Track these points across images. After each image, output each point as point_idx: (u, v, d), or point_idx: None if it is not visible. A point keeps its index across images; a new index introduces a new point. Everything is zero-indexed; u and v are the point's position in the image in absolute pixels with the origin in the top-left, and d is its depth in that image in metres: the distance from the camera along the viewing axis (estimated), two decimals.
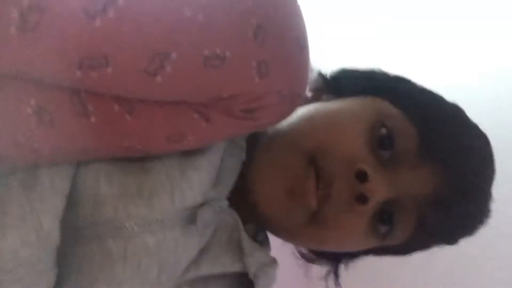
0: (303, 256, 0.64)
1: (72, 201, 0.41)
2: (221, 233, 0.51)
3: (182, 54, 0.33)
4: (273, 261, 0.55)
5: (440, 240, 0.56)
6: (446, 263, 1.13)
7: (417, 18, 1.52)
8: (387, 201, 0.48)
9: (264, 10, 0.35)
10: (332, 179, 0.47)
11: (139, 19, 0.31)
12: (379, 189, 0.46)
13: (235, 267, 0.51)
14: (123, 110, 0.36)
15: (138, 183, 0.42)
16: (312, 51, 0.40)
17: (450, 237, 0.55)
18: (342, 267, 0.63)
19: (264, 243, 0.57)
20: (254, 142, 0.52)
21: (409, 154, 0.48)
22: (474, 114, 0.54)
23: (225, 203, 0.51)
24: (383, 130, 0.49)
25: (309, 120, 0.50)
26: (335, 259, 0.62)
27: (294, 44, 0.37)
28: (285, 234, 0.54)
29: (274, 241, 0.59)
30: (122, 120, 0.36)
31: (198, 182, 0.45)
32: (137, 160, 0.43)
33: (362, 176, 0.46)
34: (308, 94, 0.56)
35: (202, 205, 0.47)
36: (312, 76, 0.57)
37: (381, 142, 0.49)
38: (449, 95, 0.55)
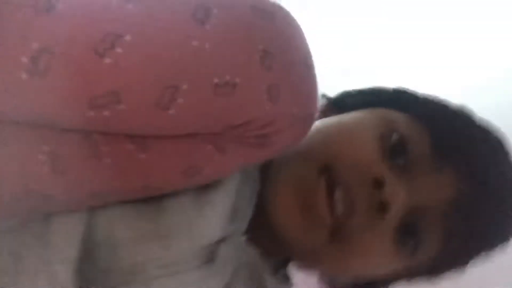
0: None
1: (87, 249, 0.39)
2: (242, 271, 0.49)
3: (193, 84, 0.33)
4: None
5: (471, 249, 0.53)
6: None
7: (423, 19, 1.54)
8: (409, 211, 0.47)
9: (268, 35, 0.35)
10: (350, 187, 0.46)
11: (147, 52, 0.31)
12: (398, 194, 0.45)
13: None
14: (136, 148, 0.35)
15: (154, 225, 0.41)
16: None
17: (481, 244, 0.52)
18: None
19: (285, 280, 0.56)
20: (267, 170, 0.51)
21: (425, 159, 0.48)
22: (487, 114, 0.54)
23: (244, 238, 0.50)
24: (395, 137, 0.48)
25: (319, 133, 0.49)
26: None
27: (301, 64, 0.37)
28: (310, 259, 0.52)
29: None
30: (136, 158, 0.36)
31: (215, 218, 0.44)
32: (151, 200, 0.42)
33: (379, 183, 0.45)
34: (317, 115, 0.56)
35: (220, 241, 0.46)
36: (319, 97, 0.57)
37: (394, 149, 0.48)
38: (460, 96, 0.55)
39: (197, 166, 0.38)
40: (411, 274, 0.55)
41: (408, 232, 0.47)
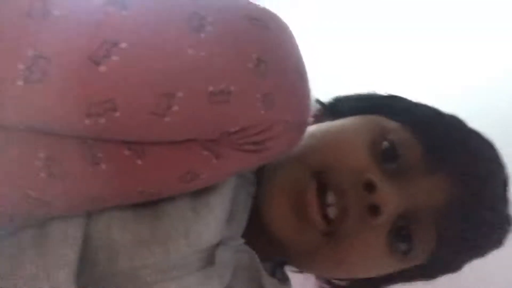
0: None
1: (86, 253, 0.40)
2: (240, 273, 0.50)
3: (188, 92, 0.33)
4: None
5: (464, 254, 0.53)
6: None
7: (420, 21, 1.55)
8: (402, 214, 0.47)
9: (262, 43, 0.36)
10: (343, 191, 0.46)
11: (143, 61, 0.32)
12: (389, 198, 0.45)
13: None
14: (133, 154, 0.36)
15: (152, 229, 0.42)
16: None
17: (474, 249, 0.53)
18: None
19: (284, 281, 0.56)
20: (261, 173, 0.52)
21: (416, 164, 0.48)
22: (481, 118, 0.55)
23: (241, 241, 0.50)
24: (385, 143, 0.49)
25: (313, 138, 0.50)
26: None
27: (294, 72, 0.37)
28: (305, 259, 0.53)
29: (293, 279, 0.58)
30: (133, 164, 0.36)
31: (213, 221, 0.44)
32: (148, 204, 0.42)
33: (370, 187, 0.45)
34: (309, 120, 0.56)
35: (218, 245, 0.46)
36: (312, 103, 0.57)
37: (385, 155, 0.49)
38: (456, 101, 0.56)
39: (194, 171, 0.38)
40: (404, 276, 0.55)
41: (400, 235, 0.48)
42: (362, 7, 1.66)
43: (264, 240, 0.50)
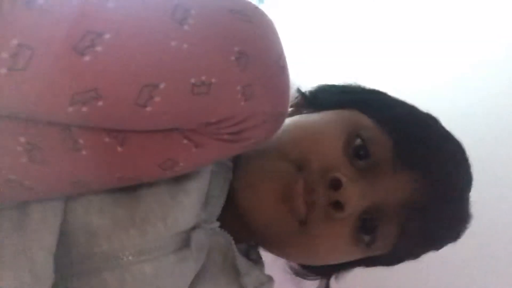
0: (294, 271, 0.65)
1: (64, 235, 0.40)
2: (215, 255, 0.51)
3: (170, 83, 0.34)
4: (270, 279, 0.56)
5: (424, 246, 0.57)
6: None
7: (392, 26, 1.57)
8: (367, 210, 0.49)
9: (244, 36, 0.36)
10: (313, 187, 0.48)
11: (127, 52, 0.32)
12: (353, 196, 0.47)
13: None
14: (114, 141, 0.36)
15: (130, 212, 0.42)
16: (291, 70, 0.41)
17: (433, 242, 0.56)
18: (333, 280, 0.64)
19: (257, 262, 0.58)
20: (238, 160, 0.53)
21: (385, 162, 0.50)
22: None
23: (216, 224, 0.52)
24: (358, 141, 0.50)
25: (290, 131, 0.51)
26: (325, 273, 0.63)
27: (275, 65, 0.38)
28: (277, 246, 0.55)
29: (265, 257, 0.60)
30: (113, 151, 0.36)
31: (190, 205, 0.45)
32: (127, 189, 0.43)
33: (336, 184, 0.47)
34: (289, 109, 0.57)
35: (194, 228, 0.47)
36: (292, 92, 0.58)
37: (357, 152, 0.50)
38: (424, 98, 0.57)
39: (173, 159, 0.39)
40: (367, 262, 0.59)
41: (365, 228, 0.50)
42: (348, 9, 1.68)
43: (239, 224, 0.52)
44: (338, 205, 0.47)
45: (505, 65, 1.36)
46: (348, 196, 0.47)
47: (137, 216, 0.43)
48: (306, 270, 0.64)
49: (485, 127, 1.33)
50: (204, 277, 0.50)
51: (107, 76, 0.32)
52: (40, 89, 0.31)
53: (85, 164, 0.36)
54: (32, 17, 0.30)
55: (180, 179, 0.45)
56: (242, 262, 0.53)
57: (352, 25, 1.67)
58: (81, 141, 0.35)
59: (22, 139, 0.34)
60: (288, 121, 0.53)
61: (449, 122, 0.56)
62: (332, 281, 0.64)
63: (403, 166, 0.49)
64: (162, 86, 0.33)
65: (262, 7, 0.42)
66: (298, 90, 0.61)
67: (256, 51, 0.37)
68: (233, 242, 0.52)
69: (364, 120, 0.52)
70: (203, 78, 0.34)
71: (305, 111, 0.58)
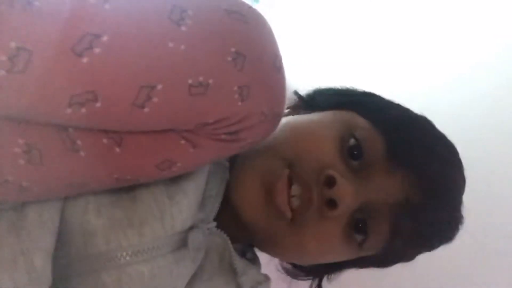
0: (287, 271, 0.65)
1: (62, 236, 0.40)
2: (212, 255, 0.51)
3: (168, 84, 0.34)
4: (267, 278, 0.56)
5: (416, 247, 0.57)
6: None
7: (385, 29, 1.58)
8: (360, 208, 0.50)
9: (241, 37, 0.37)
10: (308, 184, 0.48)
11: (124, 53, 0.32)
12: (347, 193, 0.47)
13: None
14: (111, 142, 0.36)
15: (127, 213, 0.43)
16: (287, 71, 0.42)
17: (425, 243, 0.56)
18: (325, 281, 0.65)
19: (254, 261, 0.58)
20: (234, 160, 0.54)
21: (379, 162, 0.50)
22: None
23: (213, 224, 0.52)
24: (352, 141, 0.51)
25: (286, 130, 0.52)
26: (317, 273, 0.64)
27: (271, 66, 0.39)
28: (269, 245, 0.55)
29: (261, 257, 0.60)
30: (111, 152, 0.37)
31: (187, 205, 0.46)
32: (124, 189, 0.43)
33: (330, 182, 0.47)
34: (286, 111, 0.58)
35: (191, 228, 0.48)
36: (289, 95, 0.58)
37: (351, 152, 0.51)
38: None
39: (171, 159, 0.39)
40: (359, 263, 0.59)
41: (357, 227, 0.51)
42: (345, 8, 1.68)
43: (234, 224, 0.52)
44: (331, 203, 0.47)
45: (502, 66, 1.37)
46: (342, 193, 0.47)
47: (134, 216, 0.43)
48: (298, 270, 0.64)
49: (480, 128, 1.34)
50: (201, 277, 0.50)
51: (105, 77, 0.32)
52: (39, 91, 0.31)
53: (83, 165, 0.36)
54: (30, 20, 0.30)
55: (177, 180, 0.45)
56: (239, 261, 0.53)
57: (348, 26, 1.68)
58: (79, 142, 0.35)
59: (21, 141, 0.34)
60: (283, 120, 0.53)
61: (444, 124, 0.57)
62: (325, 283, 0.65)
63: (396, 166, 0.50)
64: (159, 87, 0.33)
65: (257, 7, 0.42)
66: (295, 93, 0.61)
67: (252, 51, 0.37)
68: (229, 242, 0.52)
69: (358, 121, 0.53)
70: (201, 78, 0.35)
71: (301, 113, 0.59)
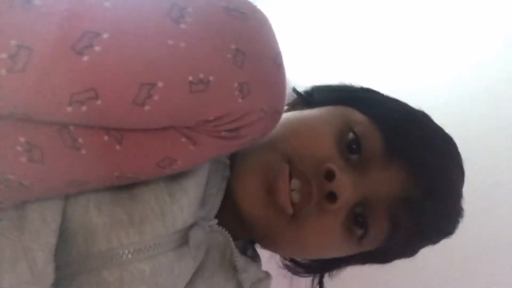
0: (288, 268, 0.66)
1: (64, 234, 0.40)
2: (213, 252, 0.52)
3: (168, 82, 0.34)
4: (267, 275, 0.56)
5: (416, 241, 0.56)
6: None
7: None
8: (359, 203, 0.50)
9: (240, 34, 0.37)
10: (307, 178, 0.49)
11: (124, 51, 0.32)
12: (346, 187, 0.48)
13: (230, 285, 0.52)
14: (112, 140, 0.36)
15: (128, 211, 0.43)
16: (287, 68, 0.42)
17: (425, 237, 0.56)
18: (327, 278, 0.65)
19: (255, 258, 0.58)
20: (234, 157, 0.54)
21: (377, 157, 0.50)
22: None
23: (214, 222, 0.52)
24: (351, 135, 0.51)
25: (285, 125, 0.52)
26: (318, 270, 0.64)
27: (271, 63, 0.39)
28: (269, 240, 0.55)
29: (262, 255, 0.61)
30: (112, 150, 0.37)
31: (188, 203, 0.46)
32: (125, 187, 0.43)
33: (330, 175, 0.48)
34: (285, 108, 0.58)
35: (192, 225, 0.48)
36: (288, 91, 0.59)
37: (349, 146, 0.51)
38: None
39: (172, 157, 0.39)
40: (361, 259, 0.59)
41: (357, 221, 0.51)
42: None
43: (236, 221, 0.52)
44: (331, 197, 0.48)
45: (500, 63, 1.37)
46: (341, 186, 0.47)
47: (135, 214, 0.43)
48: (299, 267, 0.64)
49: (478, 124, 1.35)
50: (202, 274, 0.50)
51: (106, 75, 0.32)
52: (40, 90, 0.31)
53: (84, 163, 0.36)
54: (30, 18, 0.30)
55: (177, 177, 0.46)
56: (239, 259, 0.53)
57: (347, 23, 1.68)
58: (80, 140, 0.35)
59: (22, 139, 0.34)
60: (282, 117, 0.53)
61: (442, 120, 0.57)
62: (326, 279, 0.65)
63: (395, 160, 0.50)
64: (160, 84, 0.33)
65: (256, 4, 0.42)
66: (294, 90, 0.61)
67: (252, 48, 0.37)
68: (231, 239, 0.53)
69: (356, 116, 0.53)
70: (201, 76, 0.35)
71: (299, 109, 0.59)
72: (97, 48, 0.31)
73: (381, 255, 0.58)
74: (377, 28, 1.62)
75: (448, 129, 0.57)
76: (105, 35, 0.31)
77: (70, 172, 0.37)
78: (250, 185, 0.50)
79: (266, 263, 0.63)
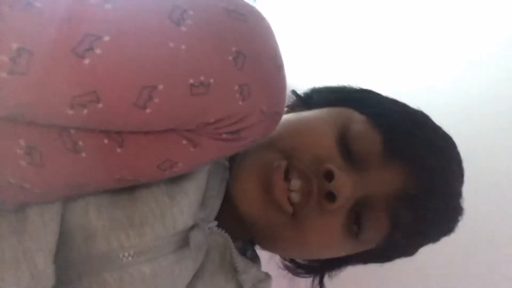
0: (288, 269, 0.66)
1: (64, 237, 0.40)
2: (213, 254, 0.52)
3: (169, 85, 0.34)
4: (268, 276, 0.56)
5: (415, 239, 0.57)
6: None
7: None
8: (359, 202, 0.50)
9: (241, 36, 0.37)
10: (307, 178, 0.49)
11: (125, 54, 0.32)
12: (345, 186, 0.48)
13: (230, 287, 0.52)
14: (113, 143, 0.36)
15: (128, 213, 0.43)
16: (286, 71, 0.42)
17: (425, 235, 0.56)
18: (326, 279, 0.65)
19: (254, 260, 0.58)
20: (233, 158, 0.54)
21: (376, 156, 0.51)
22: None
23: (214, 223, 0.52)
24: (350, 135, 0.51)
25: (285, 126, 0.52)
26: (319, 270, 0.64)
27: (271, 64, 0.39)
28: (269, 241, 0.55)
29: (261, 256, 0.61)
30: (113, 153, 0.37)
31: (188, 205, 0.46)
32: (125, 190, 0.43)
33: (329, 175, 0.48)
34: (285, 109, 0.58)
35: (192, 227, 0.48)
36: (287, 94, 0.59)
37: (349, 146, 0.51)
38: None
39: (172, 159, 0.39)
40: (361, 258, 0.59)
41: (357, 220, 0.51)
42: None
43: (235, 223, 0.52)
44: (330, 196, 0.48)
45: (500, 62, 1.38)
46: (340, 186, 0.47)
47: (135, 217, 0.43)
48: (299, 268, 0.64)
49: (478, 124, 1.35)
50: (202, 276, 0.50)
51: (107, 78, 0.32)
52: (41, 93, 0.31)
53: (84, 166, 0.36)
54: (31, 21, 0.30)
55: (177, 180, 0.46)
56: (240, 260, 0.53)
57: (345, 25, 1.68)
58: (80, 143, 0.35)
59: (22, 142, 0.34)
60: (282, 118, 0.53)
61: (441, 120, 0.57)
62: (326, 280, 0.65)
63: (394, 160, 0.50)
64: (160, 87, 0.33)
65: (255, 6, 0.42)
66: (293, 92, 0.61)
67: (252, 50, 0.37)
68: (231, 240, 0.53)
69: (355, 116, 0.53)
70: (202, 78, 0.35)
71: (298, 111, 0.59)
72: (98, 51, 0.31)
73: (381, 254, 0.58)
74: (376, 30, 1.63)
75: (447, 129, 0.57)
76: (106, 38, 0.31)
77: (70, 175, 0.37)
78: (248, 185, 0.50)
79: (266, 264, 0.63)
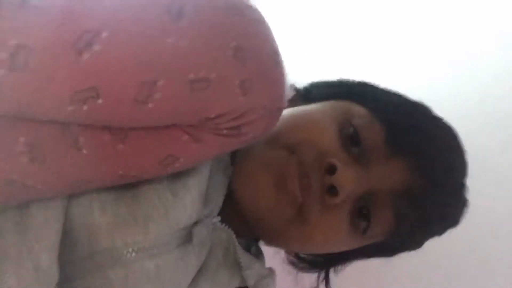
0: (293, 264, 0.66)
1: (67, 234, 0.40)
2: (216, 250, 0.52)
3: (169, 80, 0.34)
4: (271, 272, 0.56)
5: (420, 232, 0.56)
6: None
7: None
8: (363, 196, 0.50)
9: (240, 31, 0.37)
10: (309, 171, 0.49)
11: (124, 49, 0.32)
12: (347, 180, 0.48)
13: (234, 283, 0.52)
14: (115, 139, 0.36)
15: (132, 210, 0.43)
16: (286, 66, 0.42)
17: (430, 228, 0.56)
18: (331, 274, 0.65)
19: (258, 256, 0.58)
20: (235, 154, 0.54)
21: (379, 149, 0.50)
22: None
23: (217, 219, 0.52)
24: (352, 129, 0.51)
25: (287, 121, 0.52)
26: (324, 265, 0.64)
27: (271, 60, 0.39)
28: (275, 236, 0.55)
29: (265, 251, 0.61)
30: (114, 149, 0.37)
31: (191, 201, 0.46)
32: (128, 186, 0.43)
33: (331, 169, 0.48)
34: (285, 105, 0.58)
35: (195, 223, 0.48)
36: (287, 89, 0.59)
37: (351, 140, 0.51)
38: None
39: (174, 155, 0.39)
40: (366, 252, 0.59)
41: (361, 214, 0.51)
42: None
43: (239, 219, 0.52)
44: (333, 190, 0.48)
45: (500, 58, 1.37)
46: (342, 180, 0.47)
47: (139, 213, 0.43)
48: (304, 263, 0.64)
49: (479, 120, 1.34)
50: (206, 271, 0.50)
51: (106, 74, 0.32)
52: (40, 89, 0.31)
53: (86, 162, 0.36)
54: (29, 17, 0.30)
55: (180, 176, 0.46)
56: (243, 256, 0.53)
57: (344, 20, 1.67)
58: (82, 139, 0.35)
59: (23, 139, 0.34)
60: (283, 112, 0.53)
61: (443, 115, 0.57)
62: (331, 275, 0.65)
63: (396, 153, 0.50)
64: (160, 82, 0.33)
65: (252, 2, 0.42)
66: (293, 86, 0.61)
67: (252, 46, 0.37)
68: (234, 236, 0.53)
69: (357, 109, 0.53)
70: (202, 74, 0.35)
71: (299, 105, 0.59)
72: (96, 47, 0.31)
73: (386, 248, 0.58)
74: (375, 26, 1.62)
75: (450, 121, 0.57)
76: (105, 34, 0.31)
77: (72, 172, 0.37)
78: (258, 181, 0.50)
79: (270, 260, 0.63)
